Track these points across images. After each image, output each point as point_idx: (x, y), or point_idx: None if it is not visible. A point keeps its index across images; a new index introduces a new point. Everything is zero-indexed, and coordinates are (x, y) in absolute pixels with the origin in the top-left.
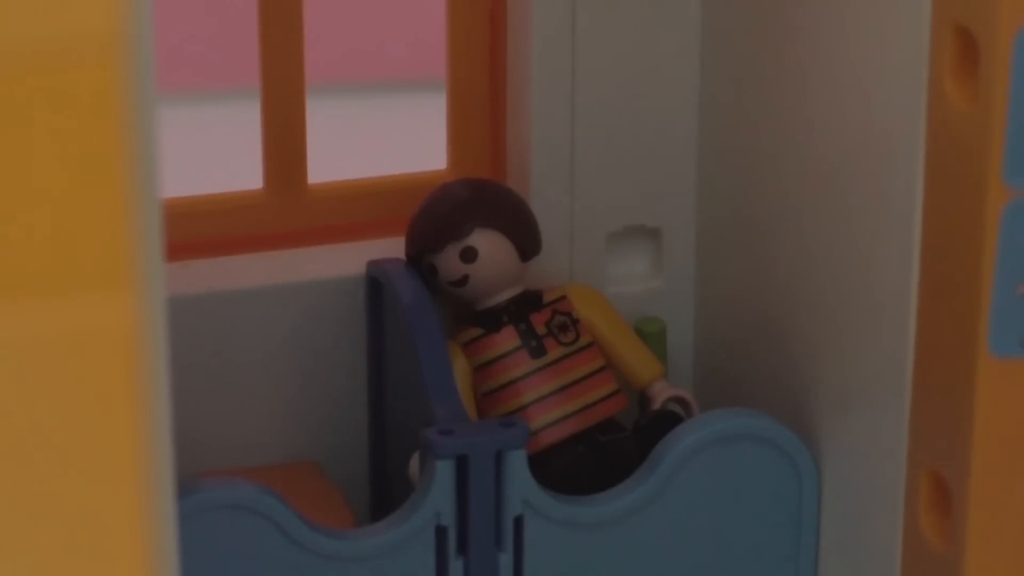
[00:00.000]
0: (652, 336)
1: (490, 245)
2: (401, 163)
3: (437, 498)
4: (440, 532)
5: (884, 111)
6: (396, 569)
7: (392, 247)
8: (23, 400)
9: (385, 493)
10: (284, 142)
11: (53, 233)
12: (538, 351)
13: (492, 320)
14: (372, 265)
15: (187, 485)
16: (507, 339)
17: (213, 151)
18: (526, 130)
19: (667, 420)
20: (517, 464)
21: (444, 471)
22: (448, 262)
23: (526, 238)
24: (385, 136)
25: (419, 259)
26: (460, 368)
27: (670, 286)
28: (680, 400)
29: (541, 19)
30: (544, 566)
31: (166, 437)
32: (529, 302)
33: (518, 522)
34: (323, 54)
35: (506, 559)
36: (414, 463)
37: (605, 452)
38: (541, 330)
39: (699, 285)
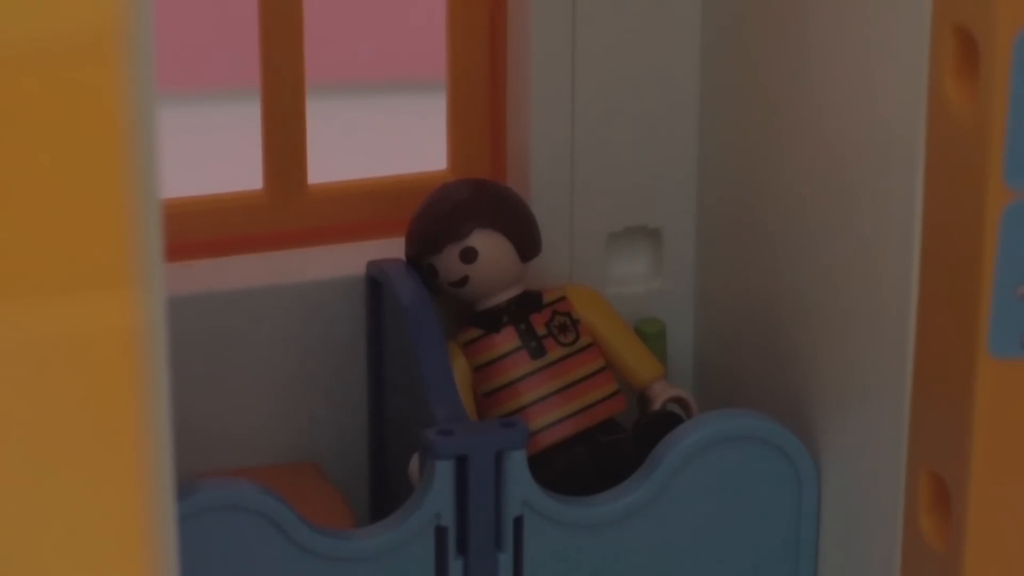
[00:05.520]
0: (652, 336)
1: (490, 245)
2: (401, 163)
3: (437, 498)
4: (440, 532)
5: (884, 111)
6: (396, 569)
7: (392, 247)
8: (23, 400)
9: (385, 493)
10: (284, 142)
11: (53, 233)
12: (538, 352)
13: (492, 321)
14: (372, 265)
15: (187, 485)
16: (507, 340)
17: (213, 151)
18: (526, 130)
19: (667, 420)
20: (517, 464)
21: (444, 471)
22: (448, 263)
23: (526, 238)
24: (385, 136)
25: (419, 259)
26: (460, 368)
27: (670, 286)
28: (680, 400)
29: (541, 19)
30: (544, 566)
31: (166, 437)
32: (529, 302)
33: (518, 522)
34: (323, 54)
35: (506, 559)
36: (414, 463)
37: (605, 453)
38: (541, 331)
39: (699, 285)
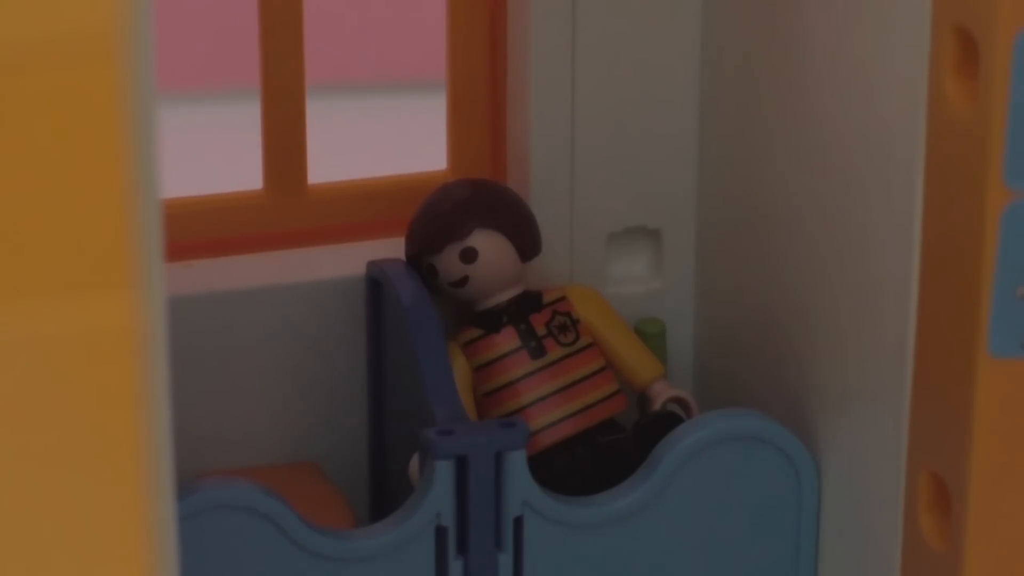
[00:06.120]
0: (652, 336)
1: (490, 245)
2: (401, 163)
3: (437, 498)
4: (440, 532)
5: (884, 111)
6: (396, 569)
7: (392, 247)
8: (23, 400)
9: (385, 493)
10: (284, 142)
11: (53, 233)
12: (538, 352)
13: (492, 321)
14: (372, 265)
15: (187, 485)
16: (507, 340)
17: (213, 151)
18: (526, 130)
19: (667, 421)
20: (517, 464)
21: (444, 471)
22: (448, 263)
23: (526, 238)
24: (385, 136)
25: (419, 259)
26: (460, 368)
27: (670, 286)
28: (680, 400)
29: (541, 19)
30: (544, 566)
31: (166, 437)
32: (529, 303)
33: (518, 522)
34: (323, 54)
35: (506, 559)
36: (414, 463)
37: (605, 453)
38: (541, 331)
39: (699, 285)
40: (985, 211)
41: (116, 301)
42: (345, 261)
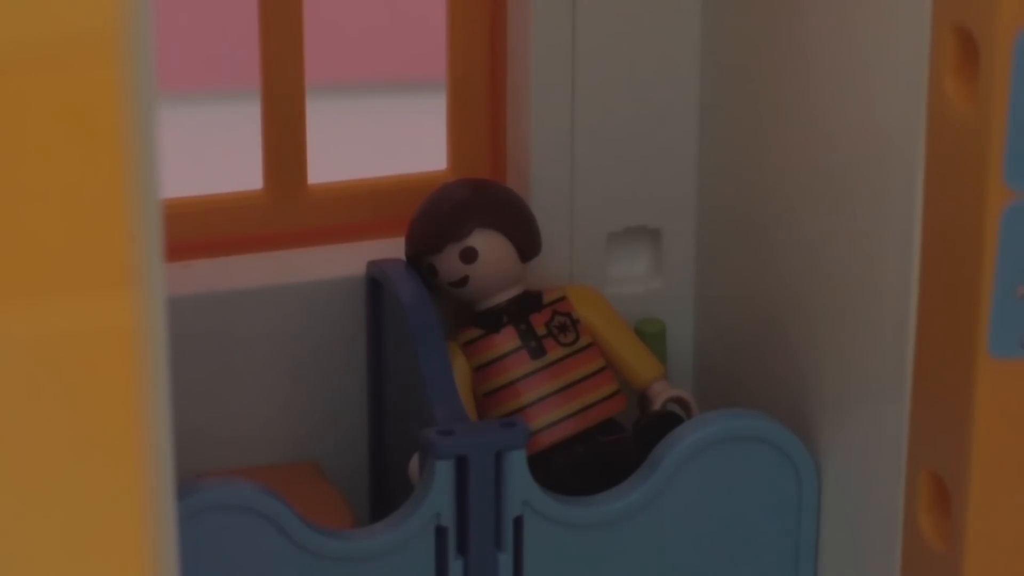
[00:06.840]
0: (652, 337)
1: (490, 245)
2: (401, 163)
3: (437, 498)
4: (440, 532)
5: (884, 111)
6: (396, 569)
7: (392, 247)
8: (23, 399)
9: (385, 493)
10: (284, 142)
11: (53, 233)
12: (538, 352)
13: (492, 321)
14: (372, 265)
15: (187, 485)
16: (507, 340)
17: (213, 151)
18: (526, 130)
19: (667, 421)
20: (517, 464)
21: (444, 471)
22: (448, 263)
23: (526, 238)
24: (385, 136)
25: (419, 259)
26: (460, 368)
27: (670, 286)
28: (680, 400)
29: (541, 19)
30: (544, 566)
31: (166, 437)
32: (529, 303)
33: (518, 522)
34: (323, 54)
35: (506, 559)
36: (414, 463)
37: (605, 453)
38: (541, 331)
39: (699, 285)
40: (985, 211)
41: (116, 301)
42: (345, 261)
